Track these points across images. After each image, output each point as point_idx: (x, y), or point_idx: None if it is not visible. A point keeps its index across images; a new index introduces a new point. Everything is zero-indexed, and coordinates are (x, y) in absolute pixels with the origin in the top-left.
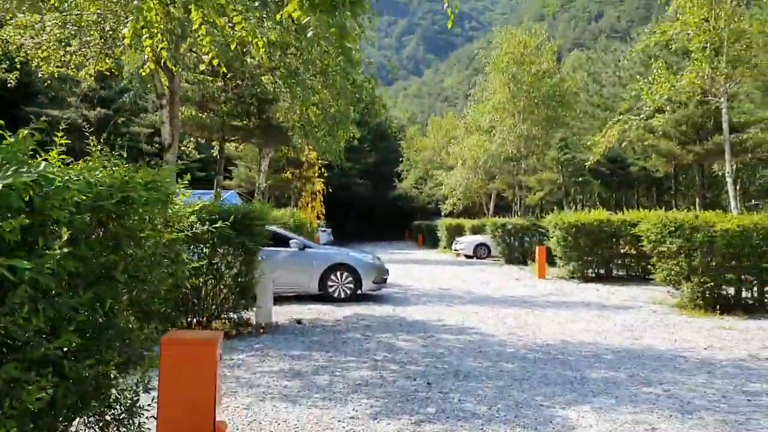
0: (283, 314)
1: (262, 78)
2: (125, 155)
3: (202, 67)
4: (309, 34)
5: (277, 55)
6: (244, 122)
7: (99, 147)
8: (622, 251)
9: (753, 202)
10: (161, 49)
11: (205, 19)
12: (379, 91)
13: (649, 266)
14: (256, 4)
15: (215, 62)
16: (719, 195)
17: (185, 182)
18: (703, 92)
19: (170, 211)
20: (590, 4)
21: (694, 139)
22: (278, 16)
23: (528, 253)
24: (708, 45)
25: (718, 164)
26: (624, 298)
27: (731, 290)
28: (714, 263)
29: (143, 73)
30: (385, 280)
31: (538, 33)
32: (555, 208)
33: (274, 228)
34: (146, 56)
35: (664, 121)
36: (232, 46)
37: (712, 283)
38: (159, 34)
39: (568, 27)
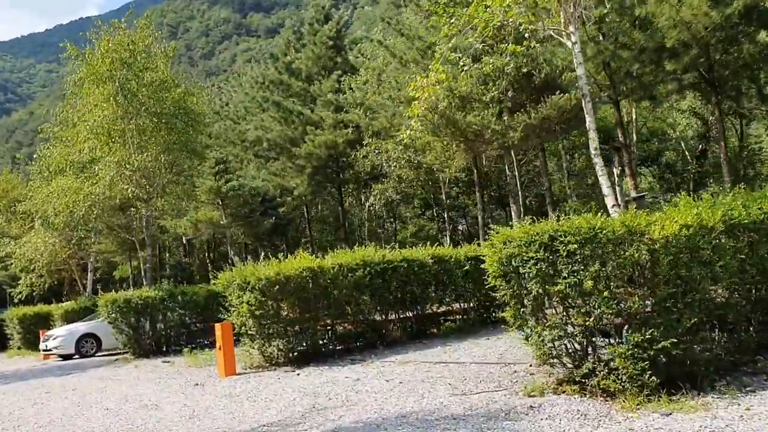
0: None
1: None
2: None
3: None
4: None
5: None
6: None
7: None
8: (347, 311)
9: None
10: None
11: None
12: None
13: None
14: None
15: None
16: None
17: None
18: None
19: None
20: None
21: (520, 104)
22: None
23: (168, 337)
24: None
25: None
26: (458, 390)
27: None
28: (653, 300)
29: None
30: None
31: (145, 28)
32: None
33: None
34: None
35: (495, 68)
36: None
37: (666, 342)
38: None
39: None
